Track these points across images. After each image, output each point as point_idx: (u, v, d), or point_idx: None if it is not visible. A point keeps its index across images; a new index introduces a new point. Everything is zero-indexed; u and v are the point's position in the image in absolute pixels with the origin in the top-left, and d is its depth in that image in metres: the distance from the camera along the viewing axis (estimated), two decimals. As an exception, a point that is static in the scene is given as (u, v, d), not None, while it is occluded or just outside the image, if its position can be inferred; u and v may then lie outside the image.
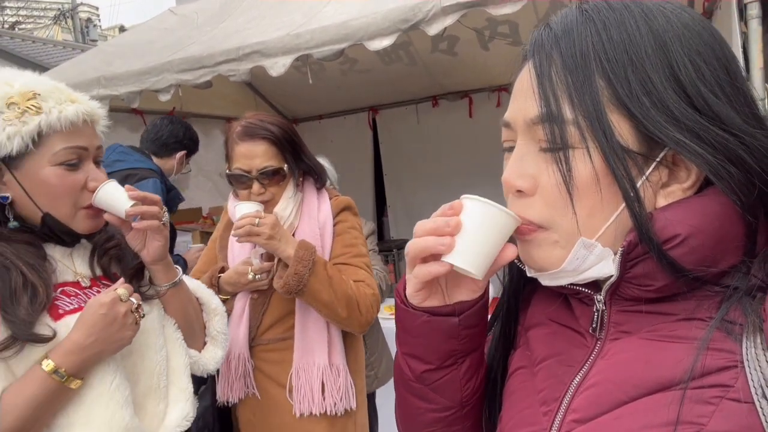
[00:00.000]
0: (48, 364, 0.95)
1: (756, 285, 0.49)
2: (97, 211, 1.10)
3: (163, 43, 3.10)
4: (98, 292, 1.10)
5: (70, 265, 1.11)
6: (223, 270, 1.68)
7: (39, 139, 1.01)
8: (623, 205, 0.51)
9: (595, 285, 0.57)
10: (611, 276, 0.53)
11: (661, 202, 0.52)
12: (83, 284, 1.11)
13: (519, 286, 0.69)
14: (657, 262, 0.50)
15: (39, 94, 1.02)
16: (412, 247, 0.58)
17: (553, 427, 0.55)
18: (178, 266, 1.25)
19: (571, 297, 0.61)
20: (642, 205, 0.51)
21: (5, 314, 0.94)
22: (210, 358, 1.31)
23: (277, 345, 1.66)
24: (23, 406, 0.93)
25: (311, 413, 1.60)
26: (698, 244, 0.49)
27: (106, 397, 1.02)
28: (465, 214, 0.56)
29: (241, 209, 1.53)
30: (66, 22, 14.31)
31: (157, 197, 1.16)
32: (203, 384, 1.84)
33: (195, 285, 1.36)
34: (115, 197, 1.10)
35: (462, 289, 0.63)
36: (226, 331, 1.37)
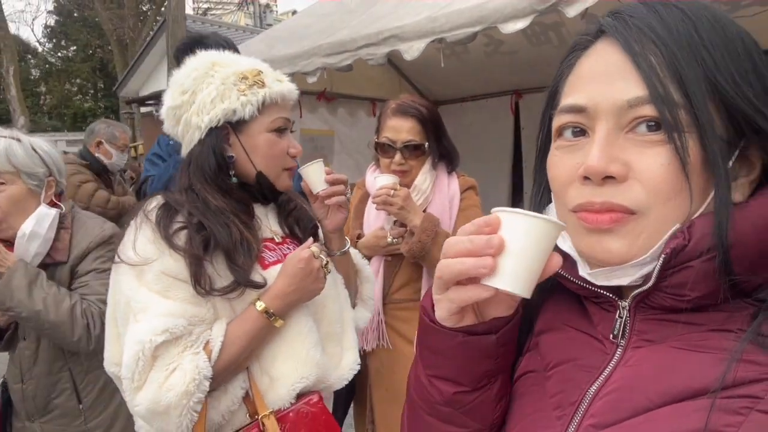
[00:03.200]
0: (260, 305, 1.15)
1: None
2: (292, 174, 1.31)
3: (318, 28, 3.34)
4: (289, 248, 1.30)
5: (267, 223, 1.32)
6: (359, 237, 1.92)
7: (262, 108, 1.22)
8: (712, 194, 0.50)
9: (618, 290, 0.55)
10: (644, 283, 0.52)
11: (733, 194, 0.52)
12: (276, 240, 1.31)
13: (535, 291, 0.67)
14: (698, 272, 0.48)
15: (262, 72, 1.25)
16: (446, 270, 0.53)
17: (568, 430, 0.54)
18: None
19: (589, 302, 0.59)
20: (730, 196, 0.50)
21: (231, 263, 1.15)
22: (360, 317, 1.49)
23: (406, 305, 1.89)
24: (242, 337, 1.14)
25: None
26: (745, 253, 0.48)
27: (302, 336, 1.21)
28: (506, 231, 0.51)
29: (380, 180, 1.77)
30: (248, 8, 16.00)
31: (345, 177, 1.35)
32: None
33: (353, 253, 1.55)
34: (318, 176, 1.32)
35: (496, 307, 0.58)
36: (373, 297, 1.56)
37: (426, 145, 1.80)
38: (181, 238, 1.12)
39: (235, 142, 1.23)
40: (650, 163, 0.51)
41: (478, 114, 4.63)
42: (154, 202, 1.18)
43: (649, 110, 0.50)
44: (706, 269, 0.48)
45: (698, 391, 0.47)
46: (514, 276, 0.50)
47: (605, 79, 0.53)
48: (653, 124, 0.51)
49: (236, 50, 1.98)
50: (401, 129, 1.78)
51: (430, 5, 2.60)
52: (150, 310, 1.07)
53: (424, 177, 1.82)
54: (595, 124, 0.54)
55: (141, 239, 1.12)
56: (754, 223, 0.48)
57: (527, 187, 4.58)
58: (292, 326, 1.20)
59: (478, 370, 0.59)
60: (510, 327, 0.59)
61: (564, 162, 0.57)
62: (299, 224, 1.38)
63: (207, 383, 1.07)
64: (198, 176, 1.20)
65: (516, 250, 0.50)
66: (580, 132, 0.56)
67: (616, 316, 0.56)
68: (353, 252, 1.52)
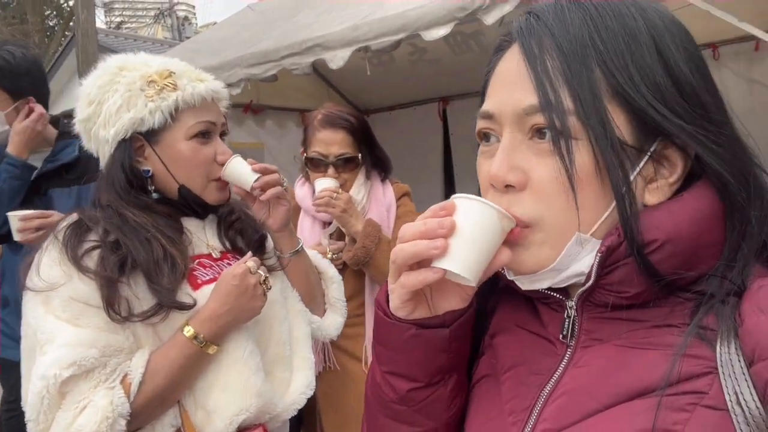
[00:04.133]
0: (189, 330, 1.05)
1: (731, 290, 0.47)
2: (224, 184, 1.20)
3: (239, 39, 3.26)
4: (228, 264, 1.19)
5: (204, 237, 1.21)
6: None
7: (175, 114, 1.11)
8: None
9: (566, 291, 0.55)
10: (585, 282, 0.51)
11: (648, 197, 0.51)
12: (215, 256, 1.20)
13: (486, 290, 0.65)
14: (634, 268, 0.48)
15: (174, 73, 1.13)
16: (399, 254, 0.53)
17: None
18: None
19: (539, 303, 0.59)
20: (634, 202, 0.49)
21: (151, 283, 1.04)
22: (331, 324, 1.40)
23: (351, 321, 1.79)
24: (168, 368, 1.03)
25: None
26: (676, 250, 0.48)
27: (240, 363, 1.10)
28: (459, 215, 0.52)
29: (321, 183, 1.71)
30: (165, 21, 15.43)
31: (274, 166, 1.25)
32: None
33: (312, 254, 1.44)
34: (242, 171, 1.18)
35: (449, 298, 0.57)
36: (344, 299, 1.45)
37: (359, 157, 1.76)
38: (93, 259, 1.02)
39: (150, 155, 1.13)
40: (542, 172, 0.51)
41: (407, 121, 4.68)
42: (67, 221, 1.07)
43: (540, 118, 0.50)
44: (645, 263, 0.48)
45: (645, 390, 0.47)
46: (463, 258, 0.51)
47: (509, 87, 0.53)
48: (543, 132, 0.51)
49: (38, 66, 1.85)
50: (332, 142, 1.72)
51: (352, 15, 2.60)
52: (56, 341, 0.95)
53: (359, 188, 1.79)
54: (502, 131, 0.54)
55: (46, 262, 1.01)
56: (690, 217, 0.48)
57: (460, 192, 4.67)
58: (229, 352, 1.10)
59: (431, 365, 0.58)
60: (463, 320, 0.58)
61: (482, 167, 0.57)
62: (243, 236, 1.27)
63: (123, 422, 0.96)
64: (112, 193, 1.10)
65: (467, 233, 0.51)
66: (495, 138, 0.56)
67: (564, 316, 0.55)
68: (311, 253, 1.43)
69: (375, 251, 1.64)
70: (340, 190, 1.70)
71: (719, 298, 0.47)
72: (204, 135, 1.15)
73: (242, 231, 1.26)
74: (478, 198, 0.52)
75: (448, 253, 0.51)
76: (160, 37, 14.45)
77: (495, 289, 0.66)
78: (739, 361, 0.43)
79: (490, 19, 2.00)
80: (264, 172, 1.20)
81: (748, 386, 0.42)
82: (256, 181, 1.18)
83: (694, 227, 0.48)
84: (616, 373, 0.49)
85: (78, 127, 1.15)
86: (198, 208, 1.20)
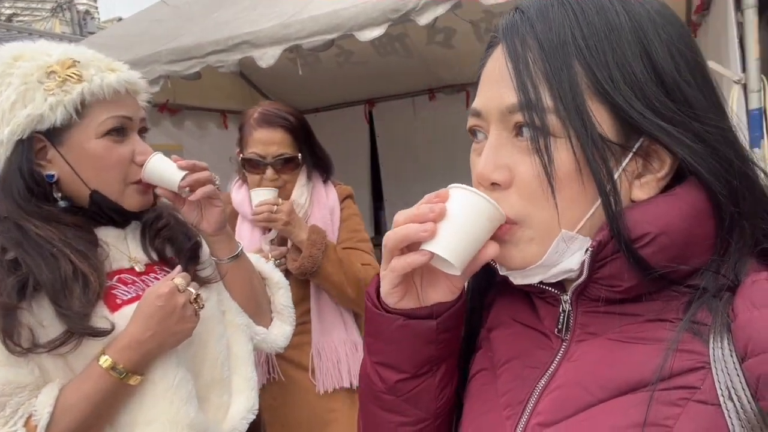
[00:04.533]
0: (105, 360, 0.91)
1: (724, 285, 0.47)
2: (146, 187, 1.05)
3: (154, 35, 3.06)
4: (155, 278, 1.05)
5: (125, 249, 1.06)
6: None
7: (82, 109, 0.97)
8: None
9: (561, 285, 0.55)
10: (579, 276, 0.51)
11: (636, 192, 0.51)
12: (138, 270, 1.06)
13: (484, 285, 0.66)
14: (625, 263, 0.48)
15: (79, 62, 0.98)
16: (391, 237, 0.54)
17: (516, 430, 0.53)
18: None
19: (535, 297, 0.59)
20: (618, 199, 0.49)
21: (59, 308, 0.90)
22: (279, 334, 1.28)
23: (296, 329, 1.69)
24: (82, 404, 0.89)
25: (334, 389, 1.70)
26: (667, 244, 0.48)
27: (170, 393, 0.97)
28: (451, 203, 0.53)
29: (258, 195, 1.59)
30: (64, 15, 14.25)
31: (204, 163, 1.10)
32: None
33: (255, 259, 1.31)
34: (165, 169, 1.04)
35: (438, 290, 0.58)
36: (292, 305, 1.33)
37: (299, 157, 1.67)
38: None
39: (54, 157, 0.98)
40: (524, 170, 0.51)
41: (333, 123, 4.64)
42: None
43: (521, 117, 0.50)
44: (637, 257, 0.48)
45: (638, 384, 0.47)
46: (451, 244, 0.52)
47: (494, 85, 0.53)
48: (524, 130, 0.51)
49: None
50: (270, 141, 1.62)
51: (278, 13, 2.52)
52: None
53: (301, 191, 1.70)
54: (489, 128, 0.54)
55: None
56: (681, 211, 0.49)
57: (387, 194, 4.71)
58: (155, 381, 0.97)
59: (419, 356, 0.59)
60: (452, 313, 0.59)
61: (474, 164, 0.57)
62: (173, 245, 1.12)
63: None
64: (10, 203, 0.95)
65: (456, 220, 0.52)
66: (483, 135, 0.56)
67: (560, 310, 0.55)
68: (254, 257, 1.31)
69: (322, 260, 1.57)
70: (280, 201, 1.60)
71: (712, 293, 0.48)
72: (118, 132, 1.01)
73: (172, 239, 1.13)
74: (473, 189, 0.53)
75: (437, 237, 0.52)
76: (58, 31, 13.31)
77: (492, 284, 0.66)
78: (732, 356, 0.44)
79: (423, 20, 2.01)
80: (192, 169, 1.07)
81: (741, 382, 0.43)
82: (182, 179, 1.05)
83: (685, 222, 0.48)
84: (609, 367, 0.49)
85: None
86: (117, 216, 1.05)
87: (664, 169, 0.51)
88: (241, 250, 1.19)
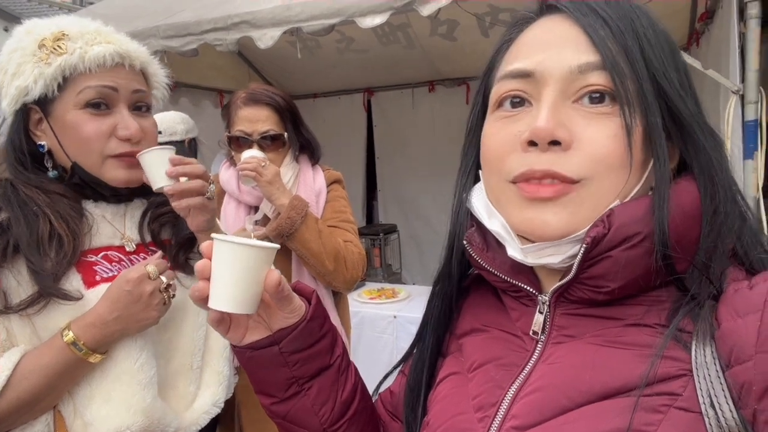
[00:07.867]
0: (67, 335, 0.91)
1: (710, 293, 0.47)
2: (129, 162, 1.01)
3: (154, 8, 3.01)
4: (144, 259, 1.04)
5: (120, 226, 1.05)
6: None
7: (65, 82, 0.97)
8: (648, 170, 0.50)
9: (538, 285, 0.54)
10: (564, 275, 0.50)
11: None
12: (128, 248, 1.05)
13: (451, 292, 0.65)
14: (618, 262, 0.48)
15: (67, 35, 0.97)
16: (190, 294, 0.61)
17: None
18: None
19: (508, 297, 0.58)
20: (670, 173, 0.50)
21: (30, 264, 0.89)
22: None
23: None
24: (41, 373, 0.89)
25: None
26: (671, 233, 0.48)
27: (128, 375, 0.96)
28: (215, 256, 0.57)
29: (248, 152, 1.61)
30: (65, -17, 14.00)
31: (202, 169, 1.05)
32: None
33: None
34: (155, 168, 1.00)
35: (277, 318, 0.63)
36: None
37: (285, 136, 1.66)
38: None
39: (46, 127, 1.00)
40: (596, 133, 0.49)
41: (331, 110, 4.61)
42: None
43: (597, 78, 0.50)
44: (628, 257, 0.48)
45: (618, 389, 0.46)
46: (224, 297, 0.56)
47: (555, 46, 0.52)
48: (597, 96, 0.50)
49: None
50: (256, 119, 1.62)
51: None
52: None
53: (286, 170, 1.68)
54: (541, 91, 0.52)
55: None
56: (679, 206, 0.48)
57: (381, 184, 4.69)
58: (117, 362, 0.96)
59: (278, 380, 0.65)
60: (296, 335, 0.63)
61: (504, 131, 0.54)
62: (172, 228, 1.11)
63: None
64: (9, 167, 1.00)
65: (220, 273, 0.56)
66: (520, 103, 0.54)
67: (537, 311, 0.54)
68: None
69: (300, 224, 1.55)
70: (269, 163, 1.60)
71: (699, 301, 0.47)
72: (98, 104, 0.98)
73: (172, 224, 1.12)
74: (228, 237, 0.56)
75: (211, 293, 0.57)
76: (58, 0, 13.09)
77: (461, 290, 0.65)
78: (715, 364, 0.43)
79: (427, 10, 1.99)
80: (183, 176, 1.02)
81: (723, 390, 0.42)
82: (167, 186, 1.01)
83: (682, 220, 0.48)
84: (588, 371, 0.49)
85: None
86: (100, 189, 1.03)
87: (674, 160, 0.53)
88: None
